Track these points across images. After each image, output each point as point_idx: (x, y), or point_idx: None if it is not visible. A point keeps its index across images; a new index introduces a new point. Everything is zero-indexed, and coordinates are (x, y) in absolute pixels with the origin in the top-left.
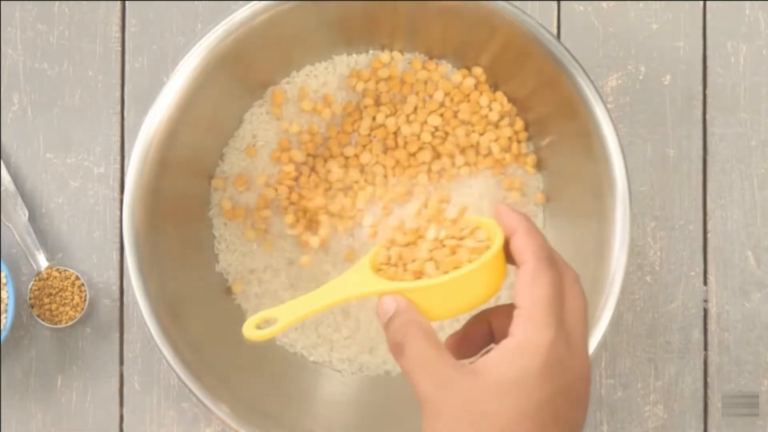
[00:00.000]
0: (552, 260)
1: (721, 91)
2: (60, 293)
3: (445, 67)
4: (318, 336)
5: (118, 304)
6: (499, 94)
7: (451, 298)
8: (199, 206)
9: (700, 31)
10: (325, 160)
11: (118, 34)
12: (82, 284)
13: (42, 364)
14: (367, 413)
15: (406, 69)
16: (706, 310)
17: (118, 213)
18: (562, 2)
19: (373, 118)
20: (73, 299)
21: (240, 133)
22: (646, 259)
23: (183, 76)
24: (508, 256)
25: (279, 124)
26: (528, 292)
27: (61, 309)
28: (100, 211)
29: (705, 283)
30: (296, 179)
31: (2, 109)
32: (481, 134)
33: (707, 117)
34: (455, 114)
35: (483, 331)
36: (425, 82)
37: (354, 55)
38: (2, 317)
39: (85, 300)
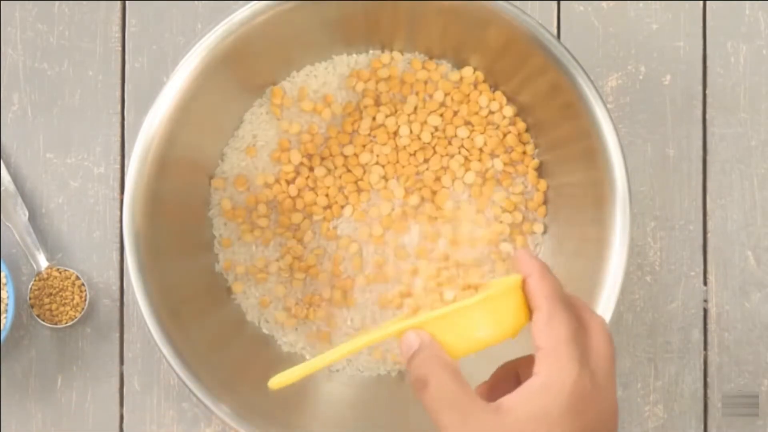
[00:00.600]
0: (567, 304)
1: (721, 91)
2: (60, 293)
3: (445, 66)
4: (318, 336)
5: (118, 304)
6: (498, 93)
7: (471, 328)
8: (199, 206)
9: (700, 31)
10: (322, 159)
11: (118, 34)
12: (82, 284)
13: (42, 364)
14: (367, 413)
15: (406, 69)
16: (706, 310)
17: (118, 213)
18: (562, 2)
19: (373, 118)
20: (73, 299)
21: (240, 133)
22: (646, 259)
23: (183, 76)
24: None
25: (279, 124)
26: (545, 333)
27: (61, 309)
28: (100, 211)
29: (705, 283)
30: (295, 180)
31: (2, 109)
32: (481, 134)
33: (707, 117)
34: (455, 114)
35: (510, 380)
36: (425, 82)
37: (354, 55)
38: (2, 317)
39: (85, 300)
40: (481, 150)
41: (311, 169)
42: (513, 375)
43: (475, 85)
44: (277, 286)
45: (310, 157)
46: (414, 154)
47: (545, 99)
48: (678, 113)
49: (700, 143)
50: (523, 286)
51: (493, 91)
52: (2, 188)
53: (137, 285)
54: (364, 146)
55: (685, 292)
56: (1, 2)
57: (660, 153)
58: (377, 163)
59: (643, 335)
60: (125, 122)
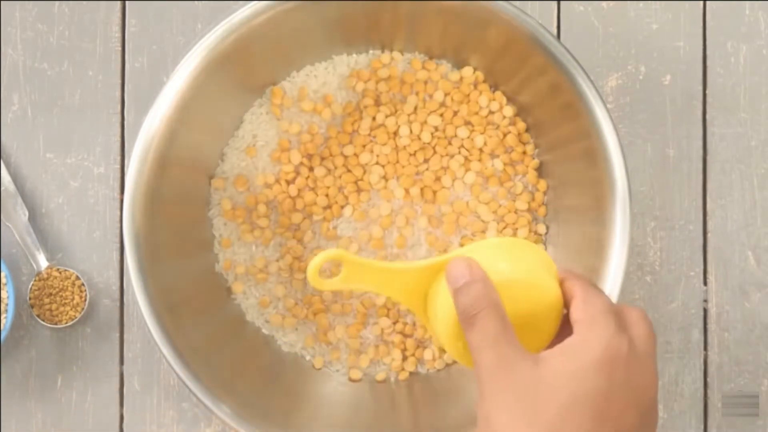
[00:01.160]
0: (600, 290)
1: (721, 91)
2: (60, 293)
3: (445, 66)
4: (317, 337)
5: (118, 304)
6: (498, 93)
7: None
8: (199, 206)
9: (700, 31)
10: (322, 159)
11: (118, 34)
12: (82, 284)
13: (42, 364)
14: (367, 413)
15: (406, 69)
16: (706, 310)
17: (118, 213)
18: (562, 2)
19: (373, 118)
20: (73, 299)
21: (240, 133)
22: (646, 259)
23: (183, 76)
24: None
25: (279, 124)
26: (582, 309)
27: (61, 309)
28: (100, 211)
29: (705, 283)
30: (295, 180)
31: (2, 109)
32: (481, 134)
33: (707, 117)
34: (455, 114)
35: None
36: (425, 82)
37: (354, 55)
38: (2, 317)
39: (85, 300)
40: (481, 150)
41: (311, 169)
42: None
43: (475, 85)
44: (277, 286)
45: (310, 157)
46: (414, 154)
47: (545, 99)
48: (678, 113)
49: (700, 143)
50: (560, 285)
51: (493, 91)
52: (2, 188)
53: (137, 285)
54: (364, 146)
55: (685, 292)
56: (1, 2)
57: (660, 153)
58: (377, 163)
59: None
60: (125, 122)
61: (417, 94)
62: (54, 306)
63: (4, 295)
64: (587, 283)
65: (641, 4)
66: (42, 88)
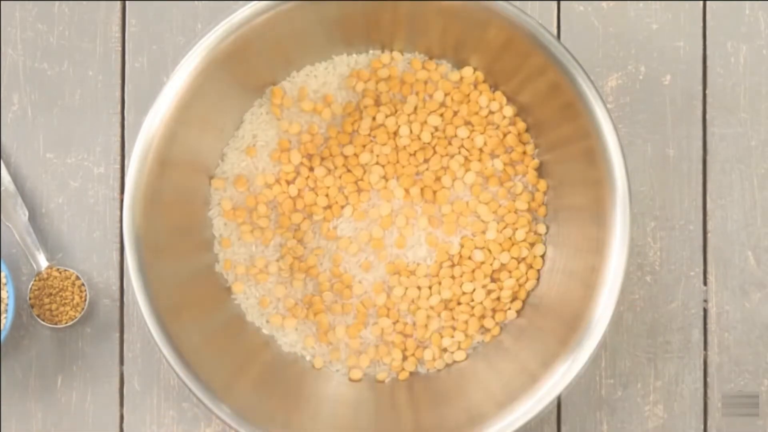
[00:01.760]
0: None
1: (721, 91)
2: (60, 293)
3: (445, 67)
4: (317, 337)
5: (118, 304)
6: (498, 93)
7: None
8: (199, 206)
9: (700, 31)
10: (322, 159)
11: (119, 34)
12: (82, 284)
13: (42, 364)
14: (367, 413)
15: (406, 69)
16: (706, 310)
17: (118, 213)
18: (562, 2)
19: (373, 118)
20: (73, 299)
21: (240, 133)
22: (646, 259)
23: (183, 76)
24: None
25: (279, 124)
26: None
27: (61, 309)
28: (100, 211)
29: (705, 283)
30: (295, 180)
31: (2, 109)
32: (481, 134)
33: (707, 117)
34: (455, 114)
35: None
36: (425, 82)
37: (354, 55)
38: (2, 317)
39: (85, 300)
40: (481, 150)
41: (311, 169)
42: None
43: (475, 85)
44: (277, 287)
45: (310, 157)
46: (414, 154)
47: (545, 99)
48: (678, 113)
49: (700, 143)
50: None
51: (493, 91)
52: (2, 188)
53: (137, 285)
54: (364, 146)
55: (685, 292)
56: (1, 2)
57: (660, 153)
58: (377, 163)
59: (643, 335)
60: (125, 122)
61: (417, 94)
62: (54, 306)
63: (4, 295)
64: None
65: (641, 4)
66: (42, 88)
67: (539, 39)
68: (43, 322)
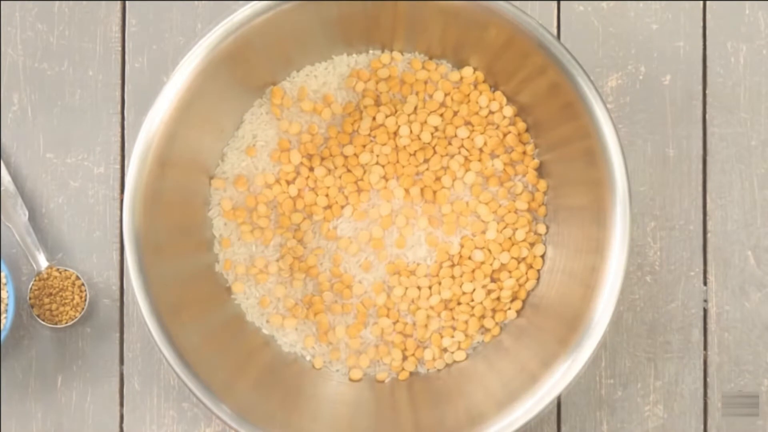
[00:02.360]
0: None
1: (721, 90)
2: (60, 293)
3: (445, 67)
4: (317, 337)
5: (118, 303)
6: (498, 93)
7: None
8: (199, 206)
9: (700, 31)
10: (322, 159)
11: (118, 34)
12: (82, 284)
13: (42, 363)
14: (367, 413)
15: (406, 69)
16: (705, 310)
17: (118, 213)
18: (562, 2)
19: (373, 118)
20: (73, 299)
21: (240, 133)
22: (646, 258)
23: (183, 76)
24: None
25: (279, 124)
26: None
27: (61, 309)
28: (100, 211)
29: (705, 282)
30: (295, 180)
31: (2, 109)
32: (481, 134)
33: (707, 117)
34: (455, 114)
35: None
36: (425, 82)
37: (354, 56)
38: (2, 317)
39: (85, 300)
40: (481, 150)
41: (311, 169)
42: None
43: (475, 85)
44: (277, 286)
45: (310, 157)
46: (414, 154)
47: (545, 99)
48: (678, 113)
49: (700, 143)
50: None
51: (493, 91)
52: (2, 188)
53: (137, 285)
54: (364, 146)
55: (685, 292)
56: (1, 2)
57: (660, 153)
58: (377, 163)
59: (643, 335)
60: (125, 122)
61: (417, 94)
62: (54, 306)
63: (4, 295)
64: None
65: (641, 4)
66: (42, 88)
67: (539, 39)
68: (43, 322)
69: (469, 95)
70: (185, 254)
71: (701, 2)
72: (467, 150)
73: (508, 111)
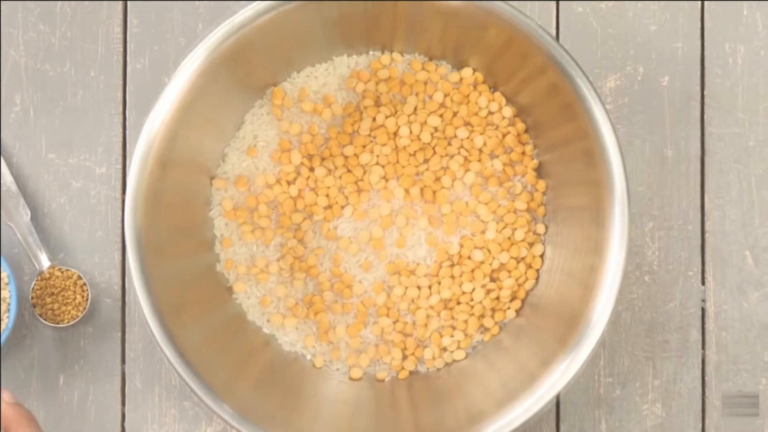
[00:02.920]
0: None
1: (719, 91)
2: (62, 293)
3: (445, 67)
4: (318, 336)
5: (119, 303)
6: (497, 94)
7: None
8: (200, 206)
9: (698, 32)
10: (322, 159)
11: (120, 35)
12: (84, 284)
13: (44, 363)
14: (367, 412)
15: (406, 70)
16: (704, 310)
17: (120, 213)
18: (561, 3)
19: (373, 119)
20: (75, 299)
21: (241, 134)
22: (644, 258)
23: (184, 76)
24: None
25: (280, 124)
26: None
27: (63, 308)
28: (101, 211)
29: (703, 282)
30: (295, 180)
31: (4, 109)
32: (481, 134)
33: (705, 117)
34: (455, 114)
35: None
36: (425, 83)
37: (354, 57)
38: (4, 317)
39: (86, 299)
40: (480, 150)
41: (312, 169)
42: None
43: (475, 86)
44: (278, 286)
45: (310, 157)
46: (414, 155)
47: (544, 100)
48: (676, 114)
49: (698, 143)
50: None
51: (493, 92)
52: (4, 188)
53: (138, 284)
54: (364, 147)
55: (683, 292)
56: (3, 2)
57: (658, 153)
58: (377, 163)
59: (641, 334)
60: (127, 123)
61: (417, 94)
62: (56, 305)
63: (6, 294)
64: None
65: (640, 4)
66: (44, 88)
67: (538, 40)
68: (45, 322)
69: (468, 96)
70: (186, 254)
71: (699, 3)
72: (467, 150)
73: (508, 112)
